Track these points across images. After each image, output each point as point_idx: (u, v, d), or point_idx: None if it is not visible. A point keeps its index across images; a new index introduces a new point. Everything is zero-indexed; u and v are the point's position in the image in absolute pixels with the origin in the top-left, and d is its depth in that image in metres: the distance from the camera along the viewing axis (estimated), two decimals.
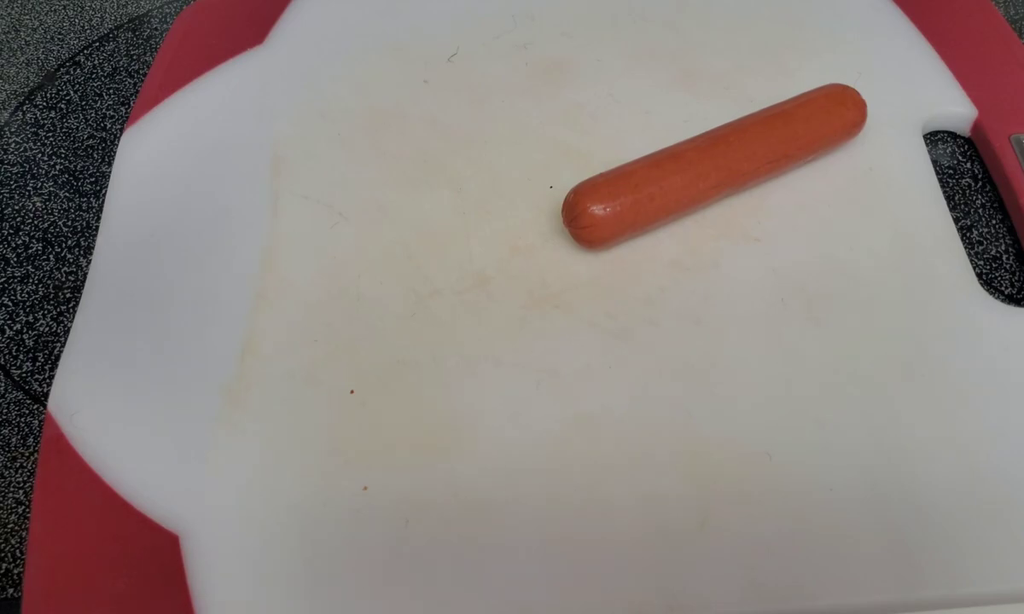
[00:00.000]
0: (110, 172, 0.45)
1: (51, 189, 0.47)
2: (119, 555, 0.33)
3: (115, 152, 0.46)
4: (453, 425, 0.36)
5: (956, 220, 0.44)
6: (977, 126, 0.47)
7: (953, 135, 0.49)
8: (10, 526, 0.36)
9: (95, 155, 0.49)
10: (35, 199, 0.47)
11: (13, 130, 0.50)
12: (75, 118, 0.50)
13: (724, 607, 0.32)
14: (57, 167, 0.48)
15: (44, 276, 0.44)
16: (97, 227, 0.43)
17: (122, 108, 0.51)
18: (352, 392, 0.37)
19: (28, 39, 0.55)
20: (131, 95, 0.52)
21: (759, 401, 0.37)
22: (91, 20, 0.56)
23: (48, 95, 0.52)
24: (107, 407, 0.37)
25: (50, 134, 0.50)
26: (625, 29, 0.51)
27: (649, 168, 0.40)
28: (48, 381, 0.40)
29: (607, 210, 0.39)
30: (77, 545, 0.33)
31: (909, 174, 0.44)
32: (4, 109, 0.51)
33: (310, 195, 0.44)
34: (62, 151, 0.49)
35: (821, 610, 0.32)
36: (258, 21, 0.52)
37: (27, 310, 0.43)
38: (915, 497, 0.34)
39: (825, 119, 0.43)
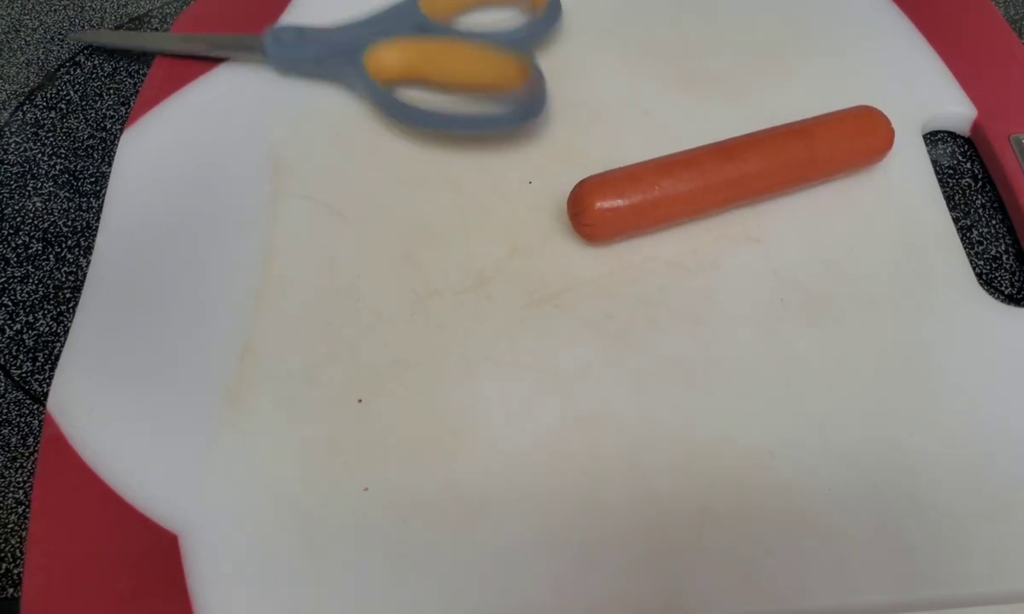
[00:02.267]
0: (110, 172, 0.45)
1: (51, 189, 0.47)
2: (119, 555, 0.33)
3: (115, 152, 0.46)
4: (453, 425, 0.36)
5: (956, 220, 0.44)
6: (977, 126, 0.47)
7: (953, 135, 0.49)
8: (10, 526, 0.36)
9: (95, 155, 0.49)
10: (35, 199, 0.47)
11: (13, 130, 0.50)
12: (75, 118, 0.50)
13: (724, 607, 0.32)
14: (57, 167, 0.48)
15: (44, 276, 0.44)
16: (97, 227, 0.43)
17: (122, 108, 0.51)
18: (352, 392, 0.37)
19: (28, 39, 0.55)
20: (131, 95, 0.52)
21: (759, 401, 0.37)
22: (91, 20, 0.56)
23: (48, 95, 0.52)
24: (107, 407, 0.37)
25: (50, 134, 0.50)
26: (625, 29, 0.51)
27: (660, 173, 0.40)
28: (48, 381, 0.40)
29: (613, 206, 0.39)
30: (77, 545, 0.33)
31: (909, 174, 0.44)
32: (4, 109, 0.51)
33: (310, 195, 0.44)
34: (62, 151, 0.49)
35: (821, 610, 0.32)
36: (258, 21, 0.52)
37: (27, 310, 0.43)
38: (915, 497, 0.34)
39: (848, 145, 0.42)
